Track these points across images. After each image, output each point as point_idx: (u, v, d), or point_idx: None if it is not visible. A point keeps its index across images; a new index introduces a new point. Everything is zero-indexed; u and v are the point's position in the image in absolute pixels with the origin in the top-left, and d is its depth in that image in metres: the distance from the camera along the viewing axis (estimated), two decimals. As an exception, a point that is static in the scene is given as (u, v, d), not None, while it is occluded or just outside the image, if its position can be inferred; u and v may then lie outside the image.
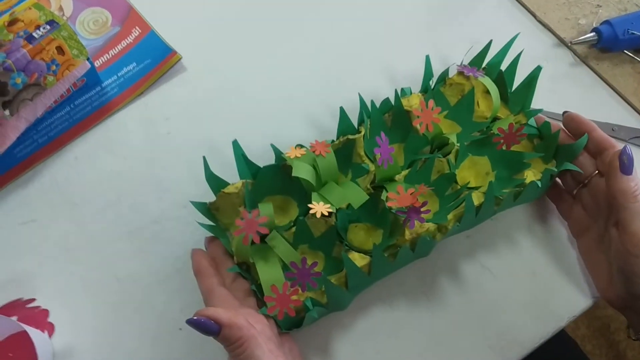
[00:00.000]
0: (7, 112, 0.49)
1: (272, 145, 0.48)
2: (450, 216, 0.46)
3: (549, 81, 0.56)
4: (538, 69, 0.50)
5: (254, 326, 0.39)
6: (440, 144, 0.50)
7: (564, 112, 0.49)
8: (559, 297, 0.49)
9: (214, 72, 0.58)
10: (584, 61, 0.60)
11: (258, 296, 0.44)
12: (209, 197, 0.47)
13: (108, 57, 0.58)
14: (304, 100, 0.56)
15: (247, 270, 0.45)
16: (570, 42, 0.59)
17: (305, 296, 0.43)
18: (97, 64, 0.57)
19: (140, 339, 0.46)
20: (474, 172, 0.51)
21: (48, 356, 0.44)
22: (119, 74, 0.57)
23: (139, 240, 0.50)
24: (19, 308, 0.46)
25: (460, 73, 0.52)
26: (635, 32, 0.57)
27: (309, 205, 0.42)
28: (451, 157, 0.49)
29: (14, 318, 0.44)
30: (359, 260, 0.44)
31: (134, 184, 0.52)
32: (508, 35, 0.53)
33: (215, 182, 0.46)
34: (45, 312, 0.47)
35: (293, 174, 0.43)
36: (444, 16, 0.62)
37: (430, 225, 0.45)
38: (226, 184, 0.47)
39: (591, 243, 0.48)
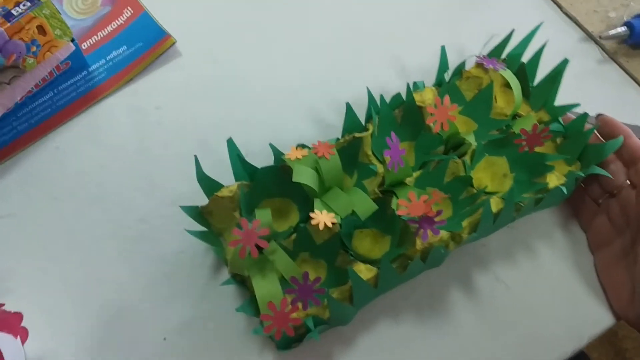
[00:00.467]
0: (-20, 97, 0.44)
1: (271, 145, 0.44)
2: (465, 223, 0.42)
3: (574, 79, 0.51)
4: (565, 62, 0.46)
5: None
6: (455, 144, 0.45)
7: (598, 115, 0.45)
8: (580, 315, 0.45)
9: (210, 59, 0.54)
10: (612, 58, 0.55)
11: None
12: (202, 195, 0.44)
13: (96, 39, 0.54)
14: (307, 94, 0.52)
15: (241, 282, 0.41)
16: (599, 37, 0.55)
17: (305, 314, 0.39)
18: (84, 46, 0.53)
19: (122, 347, 0.43)
20: (490, 174, 0.47)
21: (19, 365, 0.40)
22: (108, 58, 0.53)
23: (124, 239, 0.46)
24: (-12, 311, 0.42)
25: (479, 65, 0.48)
26: (670, 27, 0.53)
27: (311, 215, 0.38)
28: (467, 158, 0.45)
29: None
30: (366, 272, 0.40)
31: (120, 178, 0.48)
32: (530, 27, 0.49)
33: (208, 184, 0.42)
34: (19, 316, 0.43)
35: (293, 179, 0.39)
36: (461, 4, 0.58)
37: (444, 234, 0.41)
38: (219, 185, 0.43)
39: (612, 258, 0.44)
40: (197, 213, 0.43)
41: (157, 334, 0.43)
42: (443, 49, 0.48)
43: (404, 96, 0.47)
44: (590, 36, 0.56)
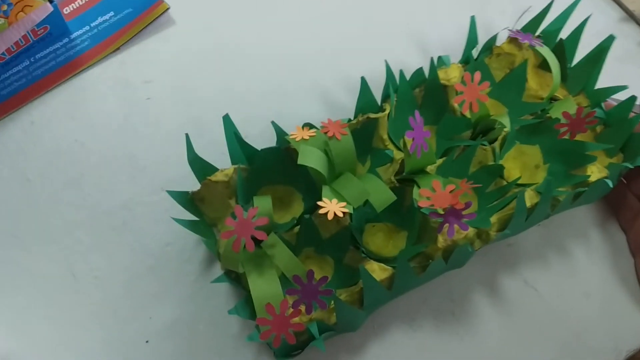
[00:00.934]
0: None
1: (273, 123, 0.38)
2: (493, 219, 0.37)
3: (615, 62, 0.46)
4: (610, 38, 0.41)
5: None
6: (484, 129, 0.40)
7: None
8: (618, 326, 0.40)
9: (207, 28, 0.49)
10: (656, 39, 0.50)
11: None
12: (194, 179, 0.39)
13: (80, 4, 0.49)
14: (315, 70, 0.47)
15: (236, 279, 0.36)
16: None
17: (309, 319, 0.33)
18: (66, 11, 0.48)
19: (97, 350, 0.38)
20: (520, 164, 0.41)
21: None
22: (92, 25, 0.48)
23: (104, 228, 0.41)
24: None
25: (512, 40, 0.42)
26: None
27: (319, 204, 0.33)
28: (497, 145, 0.39)
29: None
30: (379, 272, 0.35)
31: (102, 159, 0.43)
32: (565, 3, 0.44)
33: (200, 167, 0.38)
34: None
35: (299, 162, 0.34)
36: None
37: (470, 231, 0.36)
38: (214, 169, 0.38)
39: (655, 262, 0.40)
40: (187, 199, 0.38)
41: (139, 336, 0.38)
42: (473, 20, 0.43)
43: (426, 73, 0.41)
44: (631, 16, 0.52)
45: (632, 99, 0.39)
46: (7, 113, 0.44)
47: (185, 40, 0.48)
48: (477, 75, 0.37)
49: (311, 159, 0.34)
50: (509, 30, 0.42)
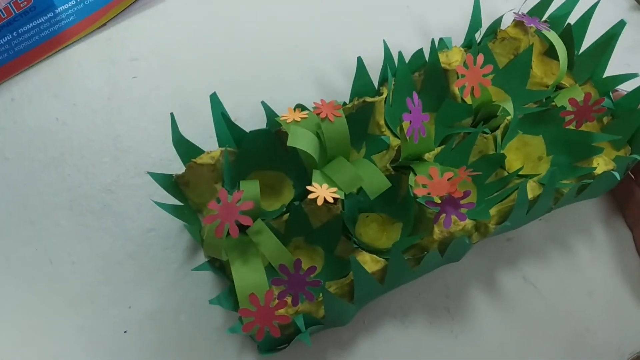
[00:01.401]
0: None
1: (263, 103, 0.36)
2: (493, 211, 0.35)
3: (624, 51, 0.44)
4: (621, 24, 0.39)
5: None
6: (485, 116, 0.38)
7: None
8: (620, 326, 0.39)
9: (198, 5, 0.47)
10: (667, 28, 0.48)
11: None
12: (180, 163, 0.37)
13: None
14: (309, 53, 0.45)
15: (220, 268, 0.34)
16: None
17: (295, 311, 0.31)
18: (51, -16, 0.45)
19: (73, 339, 0.36)
20: (523, 155, 0.40)
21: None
22: None
23: (84, 211, 0.39)
24: None
25: (518, 24, 0.40)
26: None
27: (309, 188, 0.30)
28: (498, 133, 0.37)
29: None
30: (371, 264, 0.33)
31: (84, 138, 0.41)
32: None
33: (185, 149, 0.36)
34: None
35: (288, 144, 0.31)
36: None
37: (467, 223, 0.34)
38: (200, 151, 0.35)
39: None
40: (170, 183, 0.36)
41: (117, 325, 0.36)
42: (477, 1, 0.41)
43: (426, 56, 0.39)
44: (642, 4, 0.49)
45: (636, 93, 0.37)
46: (-14, 89, 0.42)
47: (175, 18, 0.46)
48: (480, 58, 0.35)
49: (302, 140, 0.32)
50: (515, 13, 0.40)
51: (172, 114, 0.35)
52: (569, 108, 0.35)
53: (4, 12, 0.42)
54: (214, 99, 0.36)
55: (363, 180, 0.32)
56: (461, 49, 0.40)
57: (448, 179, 0.31)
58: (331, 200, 0.30)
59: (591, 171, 0.36)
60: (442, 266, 0.37)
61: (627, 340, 0.38)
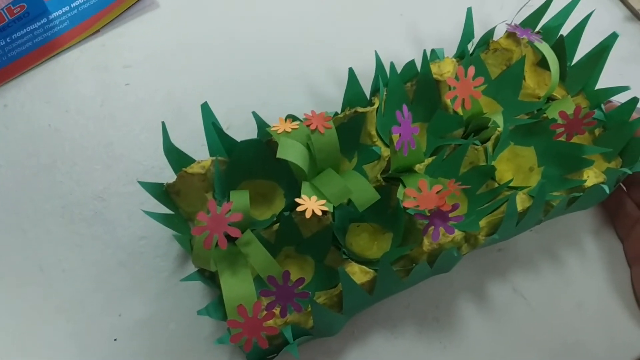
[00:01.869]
0: None
1: (254, 114, 0.36)
2: (482, 223, 0.35)
3: (617, 61, 0.44)
4: (613, 36, 0.39)
5: None
6: (476, 127, 0.38)
7: None
8: (613, 338, 0.38)
9: (192, 12, 0.47)
10: (661, 39, 0.48)
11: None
12: (172, 171, 0.37)
13: None
14: (302, 60, 0.45)
15: (210, 278, 0.34)
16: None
17: (284, 322, 0.31)
18: (46, -10, 0.45)
19: (63, 347, 0.36)
20: (514, 167, 0.39)
21: None
22: (73, 5, 0.46)
23: (75, 219, 0.39)
24: None
25: (510, 35, 0.40)
26: None
27: (297, 200, 0.31)
28: (489, 145, 0.37)
29: None
30: (360, 275, 0.33)
31: (76, 145, 0.41)
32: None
33: (176, 158, 0.36)
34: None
35: (278, 155, 0.31)
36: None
37: (457, 234, 0.34)
38: (191, 160, 0.35)
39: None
40: (161, 192, 0.36)
41: (107, 333, 0.36)
42: (469, 12, 0.41)
43: (418, 67, 0.39)
44: (636, 15, 0.50)
45: (634, 100, 0.37)
46: (-21, 95, 0.42)
47: (169, 25, 0.46)
48: (471, 70, 0.35)
49: (291, 152, 0.32)
50: (507, 24, 0.40)
51: (163, 123, 0.35)
52: (560, 121, 0.35)
53: (-3, 17, 0.42)
54: (205, 108, 0.36)
55: (352, 192, 0.32)
56: (453, 59, 0.40)
57: (437, 192, 0.31)
58: (319, 213, 0.30)
59: (581, 184, 0.36)
60: (431, 277, 0.38)
61: (617, 352, 0.38)
